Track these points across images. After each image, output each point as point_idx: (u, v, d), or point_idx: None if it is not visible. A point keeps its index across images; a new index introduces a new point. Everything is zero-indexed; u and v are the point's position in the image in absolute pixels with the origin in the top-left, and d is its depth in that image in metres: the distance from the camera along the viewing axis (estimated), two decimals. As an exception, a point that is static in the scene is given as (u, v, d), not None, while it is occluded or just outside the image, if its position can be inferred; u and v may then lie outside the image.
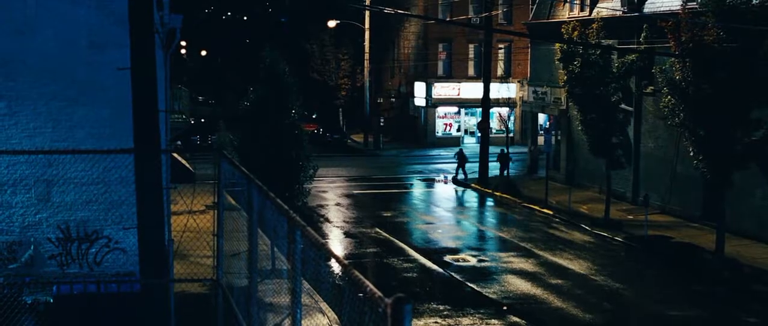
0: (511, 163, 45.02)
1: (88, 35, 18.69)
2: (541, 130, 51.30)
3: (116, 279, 16.44)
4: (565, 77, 34.46)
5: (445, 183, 47.31)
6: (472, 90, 63.20)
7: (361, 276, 5.08)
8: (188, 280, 20.70)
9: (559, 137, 45.29)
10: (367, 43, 65.44)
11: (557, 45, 35.13)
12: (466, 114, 67.33)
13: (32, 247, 19.32)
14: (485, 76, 45.89)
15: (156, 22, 14.02)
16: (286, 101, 24.18)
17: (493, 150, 47.15)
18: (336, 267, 26.36)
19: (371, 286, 4.83)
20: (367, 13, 63.99)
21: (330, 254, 5.95)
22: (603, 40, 33.31)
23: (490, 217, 37.89)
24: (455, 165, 47.39)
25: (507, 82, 59.86)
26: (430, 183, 47.52)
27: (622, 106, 34.85)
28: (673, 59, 27.64)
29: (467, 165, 46.56)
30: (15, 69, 18.88)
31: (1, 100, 19.02)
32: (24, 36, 18.85)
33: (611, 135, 33.52)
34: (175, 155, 27.62)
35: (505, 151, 44.96)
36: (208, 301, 21.73)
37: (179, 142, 56.16)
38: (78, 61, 18.71)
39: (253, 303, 9.46)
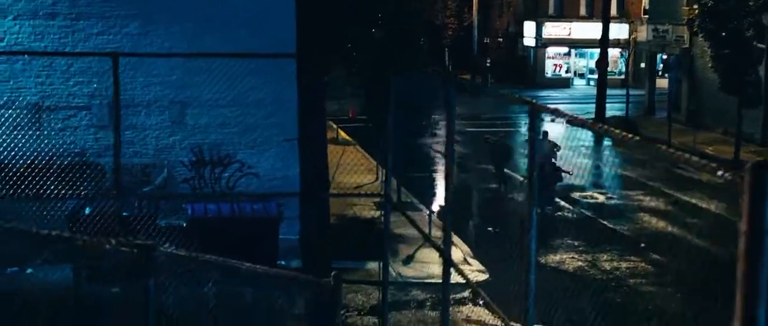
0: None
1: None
2: (657, 71, 49.73)
3: (283, 193, 15.79)
4: (695, 12, 33.01)
5: (554, 123, 46.12)
6: (584, 30, 61.48)
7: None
8: (360, 195, 20.38)
9: (679, 77, 43.67)
10: (475, -19, 64.15)
11: (688, -23, 33.58)
12: (577, 55, 65.63)
13: (166, 170, 19.09)
14: (604, 11, 44.38)
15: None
16: (416, 36, 23.57)
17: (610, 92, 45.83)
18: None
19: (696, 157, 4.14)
20: (477, -51, 62.66)
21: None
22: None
23: (611, 156, 36.73)
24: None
25: (623, 22, 58.18)
26: (548, 123, 46.38)
27: (755, 43, 33.22)
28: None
29: (578, 106, 44.32)
30: (149, -13, 18.55)
31: (135, 19, 18.71)
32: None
33: (745, 72, 31.98)
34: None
35: None
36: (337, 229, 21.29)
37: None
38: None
39: (449, 220, 8.80)
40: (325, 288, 6.89)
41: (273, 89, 18.42)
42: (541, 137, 28.76)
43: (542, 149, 28.02)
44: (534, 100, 6.16)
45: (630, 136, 4.98)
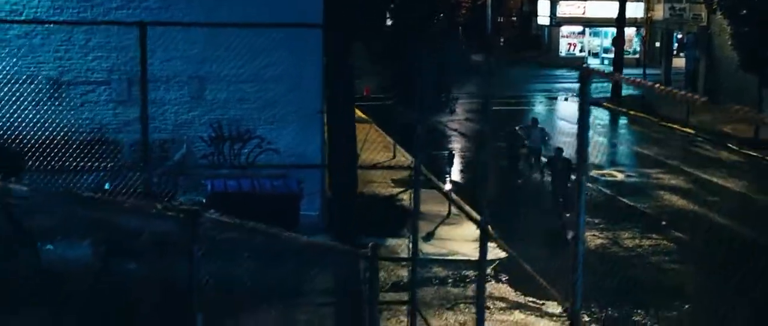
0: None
1: None
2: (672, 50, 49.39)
3: (310, 166, 15.66)
4: (714, -11, 32.71)
5: (568, 101, 45.97)
6: (599, 9, 61.00)
7: None
8: (390, 168, 20.18)
9: (697, 55, 43.34)
10: (489, -41, 63.64)
11: (708, -46, 33.24)
12: (591, 34, 65.19)
13: (185, 146, 18.95)
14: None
15: None
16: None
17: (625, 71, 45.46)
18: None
19: None
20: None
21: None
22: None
23: (628, 135, 36.54)
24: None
25: (639, 1, 57.66)
26: (557, 101, 46.23)
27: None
28: None
29: (593, 85, 44.14)
30: (167, -40, 18.34)
31: (155, -7, 18.51)
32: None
33: (765, 50, 31.67)
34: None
35: None
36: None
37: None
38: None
39: (485, 198, 8.63)
40: (363, 258, 6.75)
41: (293, 64, 18.26)
42: (530, 124, 28.19)
43: (533, 136, 27.19)
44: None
45: (702, 98, 4.77)
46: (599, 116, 40.75)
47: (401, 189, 23.77)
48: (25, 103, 17.44)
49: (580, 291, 6.08)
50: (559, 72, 60.31)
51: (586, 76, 5.50)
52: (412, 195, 10.88)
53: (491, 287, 17.11)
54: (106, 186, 17.09)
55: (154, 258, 11.58)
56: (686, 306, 16.21)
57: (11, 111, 17.30)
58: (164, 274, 11.24)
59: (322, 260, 6.67)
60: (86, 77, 18.46)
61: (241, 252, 5.75)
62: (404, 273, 16.55)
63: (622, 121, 39.95)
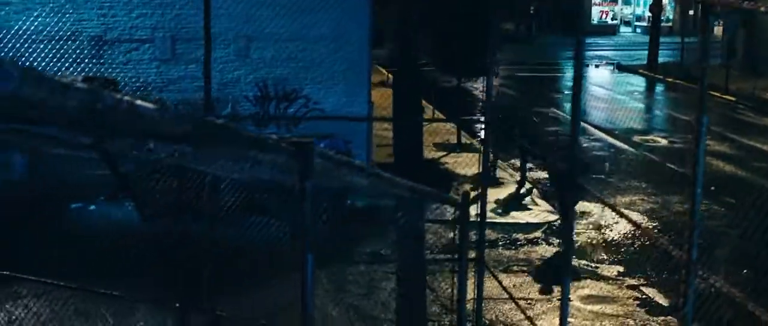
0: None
1: None
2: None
3: (358, 118, 15.39)
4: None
5: (600, 68, 45.50)
6: (632, -24, 60.43)
7: None
8: (445, 120, 19.80)
9: (736, 23, 42.63)
10: (521, -75, 62.92)
11: None
12: (623, 2, 64.51)
13: (230, 106, 18.70)
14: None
15: None
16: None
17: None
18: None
19: None
20: None
21: None
22: None
23: (667, 101, 36.08)
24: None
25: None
26: (593, 68, 45.72)
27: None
28: None
29: (626, 53, 43.32)
30: None
31: (200, -51, 18.20)
32: None
33: (810, 15, 31.11)
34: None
35: None
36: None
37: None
38: None
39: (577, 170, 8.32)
40: (454, 204, 6.50)
41: (340, 22, 18.00)
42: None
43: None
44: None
45: None
46: (636, 83, 40.24)
47: (443, 153, 23.49)
48: (66, 61, 17.24)
49: (696, 242, 5.82)
50: (590, 40, 59.58)
51: (711, 6, 5.17)
52: (481, 159, 10.58)
53: (542, 249, 16.85)
54: (151, 145, 16.89)
55: (189, 221, 11.37)
56: (745, 271, 15.86)
57: (55, 69, 17.10)
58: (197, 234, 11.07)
59: (417, 206, 6.42)
60: (130, 35, 18.22)
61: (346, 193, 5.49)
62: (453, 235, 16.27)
63: (660, 87, 39.44)
